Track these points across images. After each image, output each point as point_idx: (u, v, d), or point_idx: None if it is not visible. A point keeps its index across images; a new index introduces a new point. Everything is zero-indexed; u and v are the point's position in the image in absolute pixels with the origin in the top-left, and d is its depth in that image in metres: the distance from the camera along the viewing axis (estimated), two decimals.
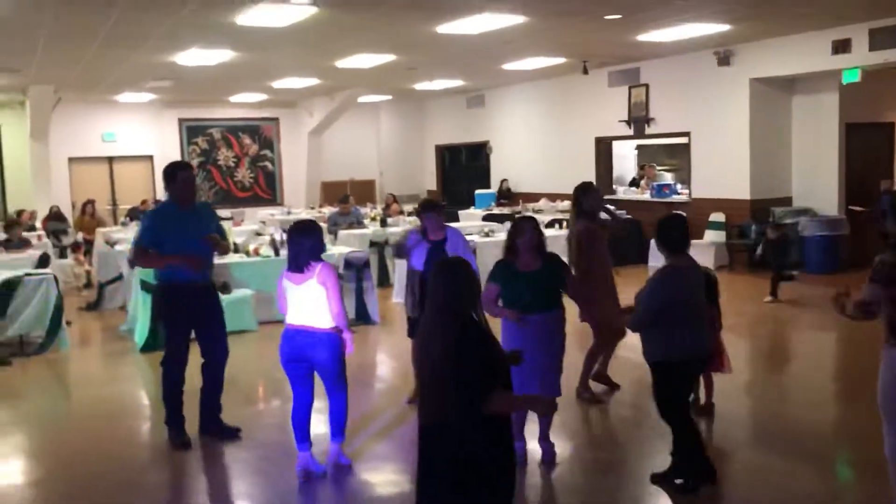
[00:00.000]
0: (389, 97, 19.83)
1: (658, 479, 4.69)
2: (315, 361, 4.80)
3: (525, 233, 4.96)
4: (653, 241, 4.70)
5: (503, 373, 3.22)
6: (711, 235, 13.01)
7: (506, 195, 17.11)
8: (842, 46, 10.84)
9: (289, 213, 16.78)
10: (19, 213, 14.63)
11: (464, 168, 21.00)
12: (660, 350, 4.51)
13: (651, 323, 4.49)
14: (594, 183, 8.37)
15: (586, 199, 6.40)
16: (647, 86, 14.28)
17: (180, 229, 5.38)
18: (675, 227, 4.67)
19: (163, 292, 5.60)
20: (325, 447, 5.11)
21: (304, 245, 4.75)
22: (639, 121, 14.51)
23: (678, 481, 4.60)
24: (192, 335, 5.63)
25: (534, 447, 5.21)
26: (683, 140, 14.20)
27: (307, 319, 4.76)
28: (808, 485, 4.78)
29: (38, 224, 14.62)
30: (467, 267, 3.29)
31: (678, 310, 4.43)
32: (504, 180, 17.68)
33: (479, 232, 11.65)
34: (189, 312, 5.48)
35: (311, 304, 4.73)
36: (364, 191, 20.15)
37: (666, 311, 4.43)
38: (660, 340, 4.49)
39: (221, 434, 5.66)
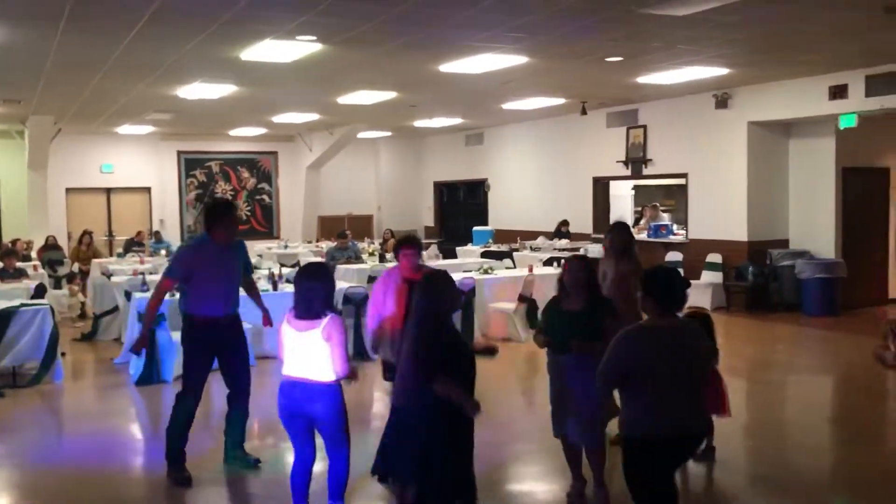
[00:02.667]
0: (389, 133, 19.95)
1: None
2: (314, 416, 4.44)
3: (571, 272, 4.93)
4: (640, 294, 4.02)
5: (462, 373, 4.03)
6: (709, 276, 13.02)
7: (565, 236, 15.75)
8: (839, 92, 10.98)
9: (286, 247, 16.77)
10: (13, 241, 14.58)
11: (461, 205, 21.07)
12: (628, 420, 3.85)
13: (614, 389, 3.94)
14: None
15: (623, 236, 6.28)
16: (644, 127, 14.40)
17: (214, 265, 5.44)
18: (673, 279, 3.95)
19: (188, 324, 5.54)
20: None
21: (317, 291, 4.37)
22: (636, 161, 14.60)
23: None
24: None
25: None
26: (681, 181, 14.29)
27: (306, 371, 4.38)
28: None
29: (34, 254, 14.57)
30: (447, 279, 4.09)
31: (657, 378, 3.72)
32: (563, 222, 15.96)
33: (477, 269, 11.63)
34: (213, 346, 5.49)
35: (311, 355, 4.35)
36: (362, 226, 20.18)
37: (634, 379, 3.76)
38: (630, 408, 3.83)
39: (245, 464, 5.69)
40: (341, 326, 4.36)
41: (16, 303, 8.73)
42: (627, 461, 3.85)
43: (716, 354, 5.54)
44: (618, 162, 14.88)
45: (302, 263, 14.02)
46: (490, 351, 4.57)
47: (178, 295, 5.73)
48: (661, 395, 3.71)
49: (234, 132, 18.65)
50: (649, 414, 3.73)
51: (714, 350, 5.46)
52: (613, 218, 16.26)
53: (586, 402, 4.72)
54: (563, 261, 6.37)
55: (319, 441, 4.55)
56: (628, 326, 3.89)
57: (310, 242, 18.13)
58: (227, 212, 5.62)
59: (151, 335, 8.30)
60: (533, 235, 16.05)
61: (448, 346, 4.08)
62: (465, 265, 12.70)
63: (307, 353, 4.36)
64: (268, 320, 5.95)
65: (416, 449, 4.02)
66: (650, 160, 14.35)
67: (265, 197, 20.83)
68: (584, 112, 14.11)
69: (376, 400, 8.12)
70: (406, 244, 5.64)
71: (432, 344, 4.03)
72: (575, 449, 5.01)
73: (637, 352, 3.74)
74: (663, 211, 16.18)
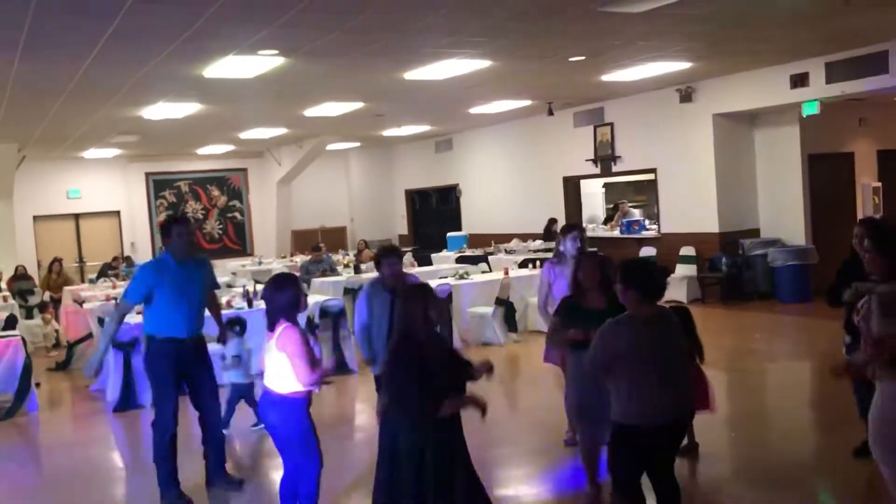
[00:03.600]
0: (358, 144, 19.91)
1: None
2: (268, 425, 4.49)
3: (585, 269, 4.90)
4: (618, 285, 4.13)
5: (440, 382, 3.89)
6: (683, 269, 13.11)
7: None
8: (800, 80, 11.11)
9: (260, 263, 16.63)
10: None
11: (434, 211, 21.06)
12: (614, 408, 3.97)
13: (603, 378, 4.04)
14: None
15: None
16: (611, 125, 14.48)
17: (176, 282, 5.33)
18: (653, 269, 4.21)
19: (151, 346, 5.44)
20: None
21: (273, 302, 4.39)
22: (605, 159, 14.68)
23: None
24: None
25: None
26: (650, 177, 14.37)
27: (267, 381, 4.42)
28: None
29: (3, 284, 14.33)
30: (427, 292, 4.06)
31: (637, 365, 3.86)
32: (552, 220, 15.44)
33: (454, 274, 11.62)
34: (178, 368, 5.37)
35: (270, 365, 4.38)
36: (335, 238, 20.10)
37: (619, 367, 3.90)
38: (616, 399, 3.95)
39: (227, 485, 5.61)
40: (296, 335, 4.29)
41: None
42: (611, 450, 3.99)
43: (700, 351, 5.58)
44: (587, 160, 14.94)
45: None
46: (487, 370, 4.19)
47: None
48: (643, 382, 3.82)
49: (201, 151, 18.51)
50: (633, 402, 3.84)
51: (698, 346, 5.52)
52: (586, 216, 16.37)
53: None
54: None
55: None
56: (615, 318, 3.97)
57: (284, 257, 18.01)
58: (179, 222, 5.53)
59: (126, 357, 8.23)
60: (507, 238, 16.08)
61: (417, 364, 3.91)
62: (440, 271, 12.68)
63: (269, 363, 4.39)
64: (222, 338, 6.02)
65: (423, 477, 3.85)
66: (619, 157, 14.43)
67: (237, 214, 20.67)
68: (550, 113, 14.16)
69: (358, 412, 8.07)
70: (389, 254, 5.65)
71: (405, 367, 3.90)
72: (598, 451, 4.89)
73: (620, 340, 3.87)
74: (635, 206, 16.28)
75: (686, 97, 12.76)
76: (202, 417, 5.57)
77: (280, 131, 15.57)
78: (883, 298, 3.61)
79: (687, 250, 13.19)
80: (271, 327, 4.38)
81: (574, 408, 5.20)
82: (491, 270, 13.14)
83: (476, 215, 18.54)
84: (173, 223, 5.53)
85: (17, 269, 14.79)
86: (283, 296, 4.38)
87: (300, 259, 15.78)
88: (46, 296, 13.73)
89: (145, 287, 5.37)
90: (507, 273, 11.19)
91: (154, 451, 5.40)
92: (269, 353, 4.38)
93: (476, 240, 17.18)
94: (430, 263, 15.44)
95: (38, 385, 8.80)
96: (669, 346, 3.95)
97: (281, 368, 4.31)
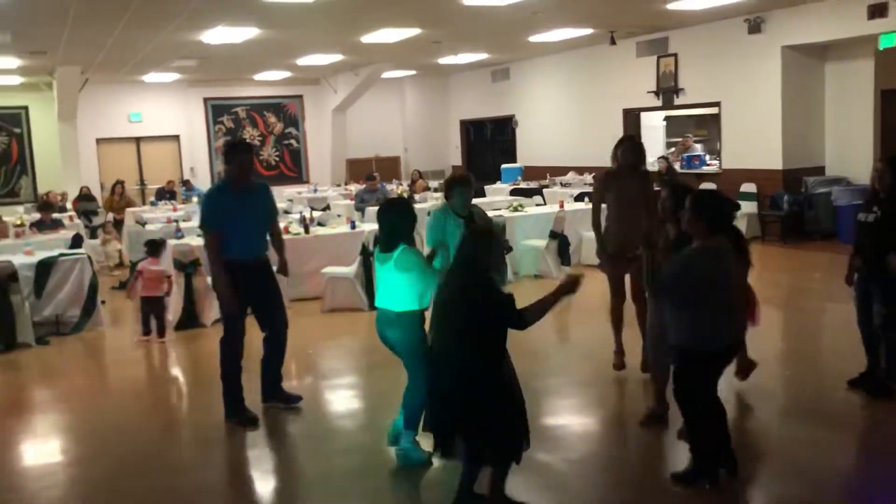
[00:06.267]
0: (413, 72, 19.72)
1: (679, 480, 4.29)
2: (390, 342, 4.68)
3: (660, 201, 4.89)
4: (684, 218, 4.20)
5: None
6: (743, 206, 12.80)
7: None
8: (878, 11, 10.57)
9: (315, 190, 16.81)
10: (47, 193, 14.81)
11: (489, 142, 20.88)
12: (687, 334, 4.12)
13: (679, 299, 4.13)
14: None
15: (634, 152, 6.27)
16: (675, 55, 14.06)
17: (238, 207, 5.42)
18: (723, 201, 4.27)
19: (217, 267, 5.54)
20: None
21: (392, 224, 4.57)
22: (667, 91, 14.31)
23: (700, 483, 4.19)
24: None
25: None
26: (713, 110, 14.00)
27: (384, 301, 4.64)
28: (836, 458, 4.73)
29: (69, 205, 14.77)
30: (497, 237, 4.09)
31: (714, 293, 4.05)
32: None
33: (508, 206, 11.57)
34: (245, 289, 5.47)
35: (386, 285, 4.61)
36: (389, 167, 20.13)
37: (699, 292, 4.04)
38: (689, 323, 4.11)
39: (285, 402, 5.78)
40: (415, 256, 4.48)
41: (55, 253, 8.88)
42: (684, 372, 4.18)
43: (749, 264, 5.51)
44: (648, 92, 14.59)
45: (331, 206, 14.16)
46: (573, 285, 4.07)
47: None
48: (718, 309, 4.07)
49: (259, 76, 18.56)
50: (708, 328, 4.06)
51: (748, 261, 5.46)
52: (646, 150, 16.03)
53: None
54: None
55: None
56: (700, 244, 4.09)
57: (339, 185, 18.15)
58: (238, 149, 5.61)
59: (187, 279, 8.47)
60: (563, 171, 15.89)
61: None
62: (494, 203, 12.64)
63: (385, 284, 4.59)
64: (284, 270, 5.89)
65: (474, 403, 3.87)
66: (682, 89, 14.05)
67: (293, 141, 20.81)
68: (612, 42, 13.79)
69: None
70: (462, 182, 5.59)
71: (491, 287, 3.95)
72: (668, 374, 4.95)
73: (699, 269, 4.06)
74: (696, 141, 15.91)
75: (755, 28, 12.29)
76: (268, 334, 5.69)
77: (336, 58, 15.49)
78: None
79: (748, 187, 12.89)
80: (389, 249, 4.52)
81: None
82: (545, 204, 13.06)
83: (532, 147, 18.33)
84: (236, 149, 5.61)
85: (81, 190, 15.22)
86: (401, 218, 4.59)
87: (354, 188, 15.88)
88: (110, 217, 14.09)
89: (214, 214, 5.46)
90: (562, 206, 11.10)
91: (221, 367, 5.57)
92: (386, 273, 4.56)
93: (531, 172, 17.03)
94: (483, 195, 15.40)
95: (103, 303, 9.13)
96: (737, 274, 4.26)
97: (401, 288, 4.49)
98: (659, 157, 13.97)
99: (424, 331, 4.58)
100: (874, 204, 5.47)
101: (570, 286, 3.99)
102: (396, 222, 4.59)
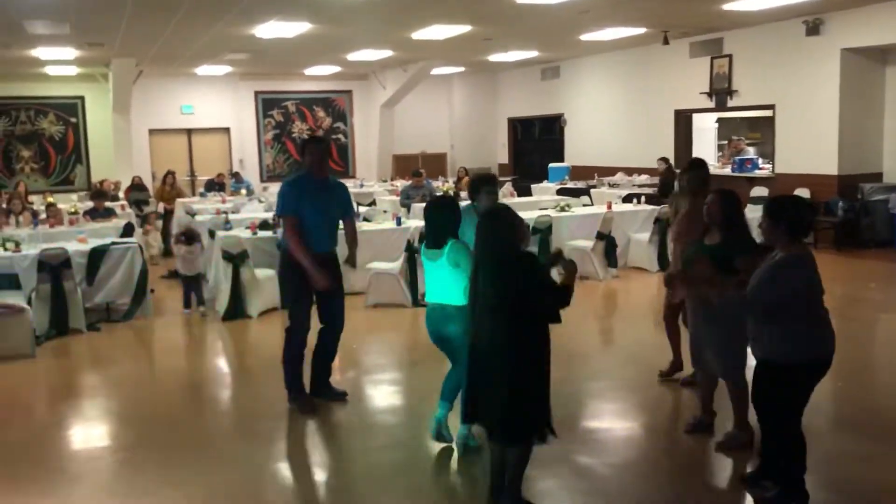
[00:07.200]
0: (462, 69, 19.69)
1: (751, 481, 4.24)
2: (443, 336, 4.74)
3: (707, 205, 4.80)
4: (760, 225, 3.99)
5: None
6: None
7: None
8: None
9: (361, 185, 16.87)
10: (101, 182, 15.13)
11: (537, 141, 20.76)
12: (778, 349, 3.90)
13: (766, 313, 3.91)
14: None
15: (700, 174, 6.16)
16: (730, 56, 13.82)
17: (312, 199, 5.51)
18: (799, 207, 4.00)
19: (291, 261, 5.60)
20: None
21: (440, 221, 4.70)
22: (721, 93, 14.07)
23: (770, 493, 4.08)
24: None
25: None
26: (767, 113, 13.73)
27: (437, 296, 4.73)
28: (888, 473, 4.58)
29: (121, 194, 15.05)
30: (510, 213, 3.94)
31: (802, 304, 3.88)
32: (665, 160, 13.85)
33: (554, 206, 11.48)
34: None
35: (439, 281, 4.69)
36: (435, 164, 20.14)
37: (787, 305, 3.85)
38: (779, 337, 3.89)
39: (331, 397, 5.85)
40: (464, 251, 4.52)
41: (107, 241, 9.05)
42: (772, 388, 3.94)
43: None
44: (701, 93, 14.36)
45: (377, 202, 14.21)
46: (561, 263, 4.25)
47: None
48: (817, 319, 3.94)
49: (308, 71, 18.70)
50: (810, 339, 3.89)
51: None
52: (696, 152, 15.81)
53: (716, 336, 4.73)
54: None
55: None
56: (788, 255, 3.88)
57: (385, 181, 18.20)
58: (315, 141, 5.78)
59: (235, 270, 8.56)
60: (611, 172, 15.73)
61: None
62: (540, 203, 12.56)
63: (438, 280, 4.68)
64: (353, 262, 6.06)
65: (507, 386, 3.81)
66: (735, 91, 13.80)
67: (340, 136, 20.94)
68: (665, 42, 13.60)
69: None
70: (489, 182, 5.38)
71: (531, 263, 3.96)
72: (713, 383, 5.01)
73: (799, 278, 3.86)
74: (749, 144, 15.63)
75: (813, 29, 12.01)
76: (325, 328, 5.75)
77: (386, 54, 15.53)
78: None
79: (801, 192, 12.60)
80: (438, 245, 4.61)
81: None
82: (592, 204, 12.94)
83: (580, 146, 18.18)
84: (311, 142, 5.76)
85: (133, 179, 15.49)
86: (448, 216, 4.69)
87: (400, 183, 15.91)
88: (160, 207, 14.32)
89: (293, 200, 5.51)
90: (609, 207, 10.99)
91: (284, 352, 5.68)
92: (438, 270, 4.64)
93: (579, 172, 16.89)
94: (529, 194, 15.33)
95: (152, 291, 9.28)
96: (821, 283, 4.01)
97: (455, 283, 4.54)
98: (659, 158, 13.79)
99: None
100: None
101: (570, 268, 4.11)
102: (443, 221, 4.68)
